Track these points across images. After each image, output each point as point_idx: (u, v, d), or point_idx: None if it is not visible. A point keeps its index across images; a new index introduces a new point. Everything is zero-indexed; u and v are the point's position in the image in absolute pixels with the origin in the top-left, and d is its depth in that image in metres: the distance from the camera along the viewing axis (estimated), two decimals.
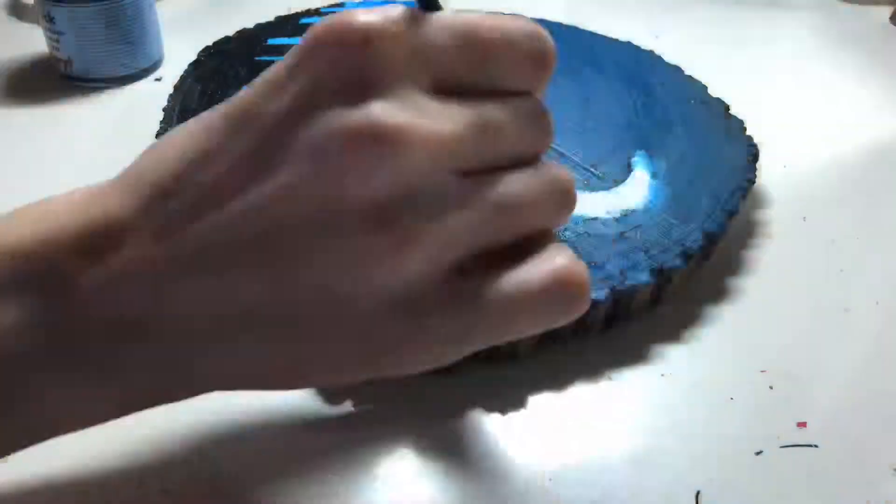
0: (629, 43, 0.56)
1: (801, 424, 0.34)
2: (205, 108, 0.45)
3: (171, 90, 0.47)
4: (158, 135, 0.44)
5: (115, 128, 0.51)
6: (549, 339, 0.36)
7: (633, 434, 0.34)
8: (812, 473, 0.32)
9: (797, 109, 0.57)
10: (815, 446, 0.33)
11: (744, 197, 0.41)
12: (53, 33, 0.53)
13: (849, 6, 0.73)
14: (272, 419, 0.33)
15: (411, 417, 0.34)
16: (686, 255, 0.37)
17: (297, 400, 0.34)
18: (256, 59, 0.51)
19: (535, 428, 0.33)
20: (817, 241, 0.45)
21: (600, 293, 0.35)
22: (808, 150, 0.52)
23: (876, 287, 0.42)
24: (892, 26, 0.69)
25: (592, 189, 0.41)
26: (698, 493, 0.31)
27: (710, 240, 0.39)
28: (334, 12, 0.59)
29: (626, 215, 0.39)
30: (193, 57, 0.51)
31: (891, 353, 0.38)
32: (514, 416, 0.34)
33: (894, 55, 0.65)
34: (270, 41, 0.53)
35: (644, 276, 0.36)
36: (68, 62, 0.54)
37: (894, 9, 0.69)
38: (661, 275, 0.37)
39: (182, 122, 0.45)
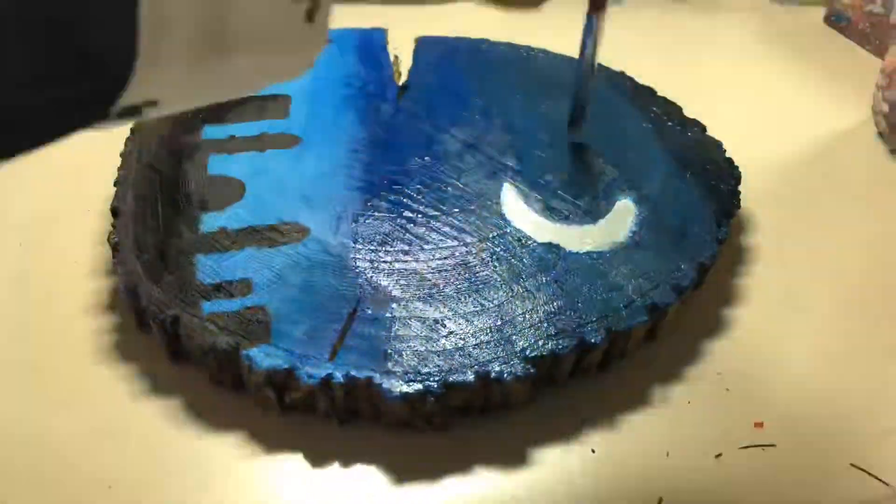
0: (599, 64, 0.55)
1: (759, 424, 0.34)
2: (165, 153, 0.44)
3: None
4: (116, 183, 0.41)
5: (111, 132, 0.49)
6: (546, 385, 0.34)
7: (591, 443, 0.33)
8: (772, 473, 0.32)
9: (740, 112, 0.57)
10: (773, 445, 0.33)
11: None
12: None
13: (784, 7, 0.73)
14: (259, 484, 0.31)
15: (405, 478, 0.32)
16: (679, 290, 0.36)
17: (283, 462, 0.32)
18: None
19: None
20: (766, 239, 0.44)
21: (597, 336, 0.34)
22: (752, 151, 0.51)
23: (825, 284, 0.41)
24: (826, 27, 0.69)
25: (576, 221, 0.40)
26: (660, 499, 0.31)
27: (704, 271, 0.38)
28: None
29: (614, 249, 0.38)
30: None
31: (843, 348, 0.38)
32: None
33: (829, 55, 0.65)
34: None
35: (641, 316, 0.35)
36: None
37: (828, 9, 0.70)
38: (656, 311, 0.35)
39: (142, 167, 0.43)
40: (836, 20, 0.69)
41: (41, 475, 0.31)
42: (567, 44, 0.60)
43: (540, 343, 0.33)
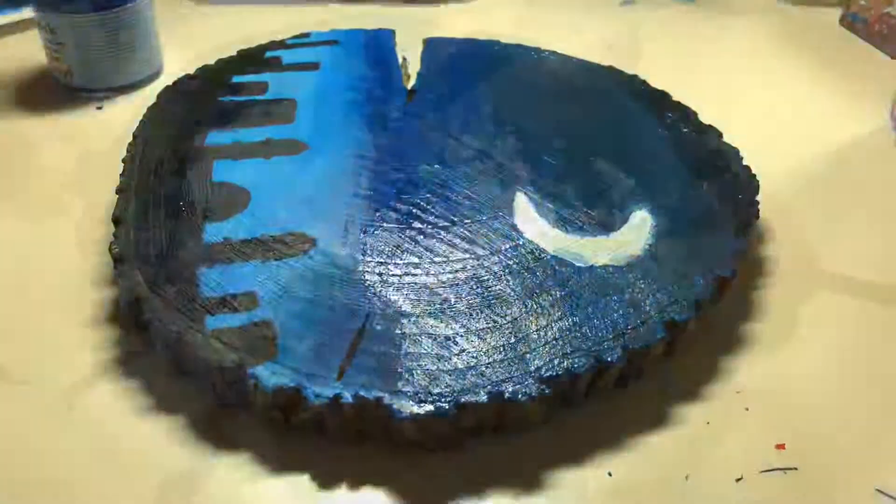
0: (611, 68, 0.54)
1: (780, 446, 0.33)
2: (169, 159, 0.42)
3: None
4: (119, 191, 0.40)
5: (115, 136, 0.49)
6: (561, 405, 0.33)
7: (608, 466, 0.32)
8: (794, 498, 0.31)
9: (755, 117, 0.56)
10: (795, 469, 0.32)
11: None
12: (54, 44, 0.52)
13: (799, 9, 0.72)
14: None
15: (415, 501, 0.31)
16: (698, 305, 0.35)
17: (289, 483, 0.31)
18: (221, 99, 0.47)
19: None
20: (784, 251, 0.43)
21: (614, 354, 0.32)
22: (768, 158, 0.50)
23: (847, 298, 0.40)
24: (841, 28, 0.68)
25: (591, 233, 0.39)
26: None
27: (723, 285, 0.37)
28: (301, 44, 0.56)
29: (630, 263, 0.37)
30: (191, 67, 0.51)
31: (867, 365, 0.37)
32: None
33: (845, 58, 0.64)
34: (236, 79, 0.49)
35: (659, 332, 0.34)
36: (68, 72, 0.53)
37: (843, 11, 0.68)
38: (674, 327, 0.34)
39: (144, 174, 0.42)
40: (852, 21, 0.67)
41: (37, 494, 0.30)
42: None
43: (555, 362, 0.32)
